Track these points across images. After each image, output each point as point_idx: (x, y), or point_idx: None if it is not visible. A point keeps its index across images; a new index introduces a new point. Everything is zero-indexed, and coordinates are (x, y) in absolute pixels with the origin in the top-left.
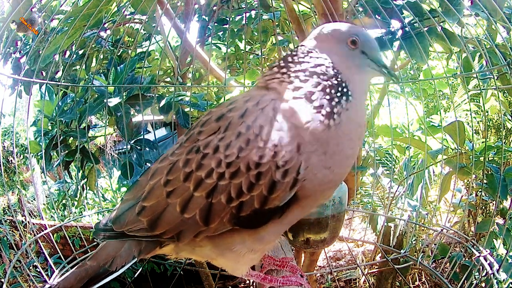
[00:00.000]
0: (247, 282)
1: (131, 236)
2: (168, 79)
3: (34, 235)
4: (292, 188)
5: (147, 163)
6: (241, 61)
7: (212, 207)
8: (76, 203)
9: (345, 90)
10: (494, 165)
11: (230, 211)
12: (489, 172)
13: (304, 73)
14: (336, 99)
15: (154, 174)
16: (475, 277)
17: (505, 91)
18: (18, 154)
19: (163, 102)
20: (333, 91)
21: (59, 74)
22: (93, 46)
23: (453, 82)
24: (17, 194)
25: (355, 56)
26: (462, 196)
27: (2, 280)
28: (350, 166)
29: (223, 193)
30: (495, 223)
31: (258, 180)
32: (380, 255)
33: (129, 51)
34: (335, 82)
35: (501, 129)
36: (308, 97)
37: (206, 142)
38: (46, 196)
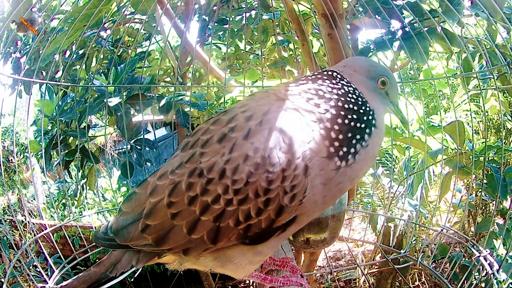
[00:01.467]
0: (247, 282)
1: (136, 249)
2: (168, 79)
3: (34, 235)
4: (297, 210)
5: (147, 163)
6: (241, 61)
7: (220, 229)
8: (76, 202)
9: (370, 117)
10: (494, 165)
11: (237, 232)
12: (489, 172)
13: (335, 102)
14: (359, 136)
15: (154, 191)
16: (475, 277)
17: (505, 91)
18: (18, 153)
19: (163, 102)
20: (358, 122)
21: (59, 73)
22: (93, 46)
23: (453, 82)
24: (17, 194)
25: (380, 94)
26: (462, 196)
27: (2, 280)
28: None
29: (231, 217)
30: (495, 223)
31: (266, 206)
32: (380, 255)
33: (129, 51)
34: (364, 110)
35: (501, 129)
36: (331, 127)
37: (209, 165)
38: (46, 196)
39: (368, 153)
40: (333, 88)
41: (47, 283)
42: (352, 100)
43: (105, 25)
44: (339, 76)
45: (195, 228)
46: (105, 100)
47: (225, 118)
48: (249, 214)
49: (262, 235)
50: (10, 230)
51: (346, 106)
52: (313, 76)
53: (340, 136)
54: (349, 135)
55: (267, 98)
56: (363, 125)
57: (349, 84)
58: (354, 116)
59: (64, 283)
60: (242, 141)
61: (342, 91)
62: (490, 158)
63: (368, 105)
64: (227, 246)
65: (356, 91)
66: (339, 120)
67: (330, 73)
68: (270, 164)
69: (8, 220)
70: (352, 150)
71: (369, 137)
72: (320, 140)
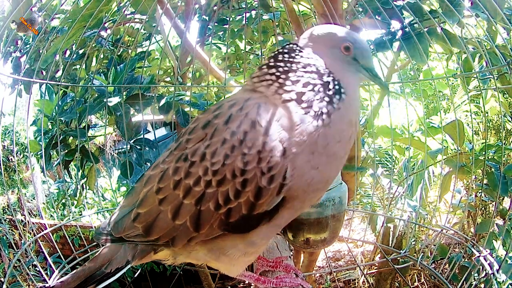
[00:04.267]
0: (246, 282)
1: (129, 241)
2: (168, 79)
3: (34, 235)
4: (279, 193)
5: (147, 163)
6: (241, 61)
7: (201, 214)
8: (75, 202)
9: (337, 87)
10: (494, 163)
11: (219, 217)
12: (490, 170)
13: (294, 73)
14: (327, 98)
15: (147, 181)
16: (474, 278)
17: (505, 92)
18: (18, 153)
19: (163, 102)
20: (323, 89)
21: (59, 73)
22: (93, 45)
23: (453, 83)
24: (17, 193)
25: (347, 61)
26: (461, 197)
27: (2, 279)
28: (340, 166)
29: (211, 200)
30: (495, 224)
31: (244, 187)
32: (379, 255)
33: (129, 51)
34: (327, 80)
35: (501, 130)
36: (298, 98)
37: (193, 150)
38: (45, 195)
39: (343, 116)
40: (292, 63)
41: (47, 283)
42: (312, 71)
43: (105, 25)
44: (298, 48)
45: (178, 213)
46: (105, 100)
47: (213, 108)
48: (228, 197)
49: (245, 221)
50: (9, 229)
51: (306, 75)
52: (275, 54)
53: (304, 98)
54: (316, 97)
55: (245, 91)
56: (329, 92)
57: (307, 56)
58: (316, 82)
59: (61, 279)
60: (223, 127)
61: (301, 64)
62: (490, 157)
63: (331, 75)
64: (212, 235)
65: (316, 61)
66: (300, 85)
67: (291, 45)
68: (246, 146)
69: (8, 220)
70: (325, 110)
71: (339, 101)
72: (289, 106)
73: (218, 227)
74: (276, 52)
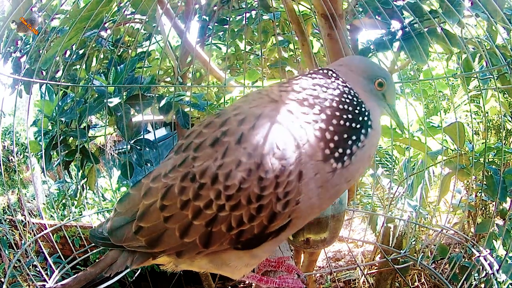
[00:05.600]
0: (247, 282)
1: (132, 250)
2: (168, 79)
3: (34, 235)
4: (290, 216)
5: (147, 163)
6: (241, 61)
7: (212, 234)
8: (76, 202)
9: (366, 118)
10: (493, 166)
11: (230, 237)
12: (489, 174)
13: (331, 103)
14: (354, 137)
15: (147, 193)
16: (474, 278)
17: (505, 92)
18: (18, 153)
19: (163, 102)
20: (354, 124)
21: (59, 73)
22: (93, 45)
23: (453, 83)
24: (17, 194)
25: (377, 95)
26: (461, 197)
27: (2, 279)
28: (339, 196)
29: (223, 223)
30: (495, 224)
31: (259, 212)
32: (379, 255)
33: (129, 51)
34: (360, 110)
35: (501, 130)
36: (326, 130)
37: (202, 170)
38: (46, 196)
39: (365, 154)
40: (328, 88)
41: (47, 283)
42: (347, 100)
43: (105, 25)
44: (334, 75)
45: (187, 232)
46: (105, 100)
47: (217, 121)
48: (242, 220)
49: (254, 240)
50: (10, 229)
51: (341, 106)
52: (308, 75)
53: (336, 137)
54: (345, 136)
55: (259, 99)
56: (358, 126)
57: (344, 84)
58: (349, 116)
59: (62, 282)
60: (235, 146)
61: (338, 91)
62: (490, 160)
63: (364, 105)
64: (220, 249)
65: (351, 91)
66: (334, 121)
67: (325, 71)
68: (263, 170)
69: (8, 220)
70: (348, 151)
71: (365, 138)
72: (315, 142)
73: (227, 244)
74: (310, 75)
